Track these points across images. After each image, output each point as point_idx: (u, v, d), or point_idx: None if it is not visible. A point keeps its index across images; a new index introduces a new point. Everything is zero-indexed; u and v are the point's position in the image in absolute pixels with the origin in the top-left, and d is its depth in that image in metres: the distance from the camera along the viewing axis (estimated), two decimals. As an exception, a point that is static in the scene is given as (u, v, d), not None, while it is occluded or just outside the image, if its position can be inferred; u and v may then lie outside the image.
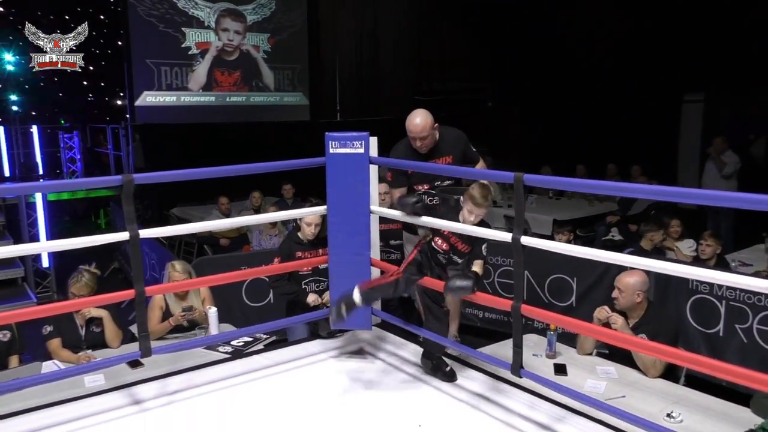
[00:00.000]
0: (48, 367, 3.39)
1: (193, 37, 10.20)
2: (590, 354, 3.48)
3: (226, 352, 3.57)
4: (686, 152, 10.56)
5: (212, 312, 3.75)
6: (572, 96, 11.51)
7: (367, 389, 2.92)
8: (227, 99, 10.64)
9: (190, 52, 10.20)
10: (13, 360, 3.57)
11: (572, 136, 11.21)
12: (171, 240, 7.78)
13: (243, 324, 4.12)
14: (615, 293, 3.40)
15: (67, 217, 10.93)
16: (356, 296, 2.78)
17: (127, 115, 10.07)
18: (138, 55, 9.77)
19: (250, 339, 3.74)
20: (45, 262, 7.01)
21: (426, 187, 3.54)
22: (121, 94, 11.93)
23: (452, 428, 2.65)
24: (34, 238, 6.91)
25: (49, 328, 3.61)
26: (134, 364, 3.32)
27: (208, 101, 10.45)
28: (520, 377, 2.69)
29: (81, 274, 3.74)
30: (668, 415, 2.71)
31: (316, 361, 3.39)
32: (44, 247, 5.57)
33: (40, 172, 10.05)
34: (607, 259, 2.37)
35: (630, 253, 5.24)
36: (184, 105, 10.23)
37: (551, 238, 6.37)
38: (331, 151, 3.11)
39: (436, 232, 2.94)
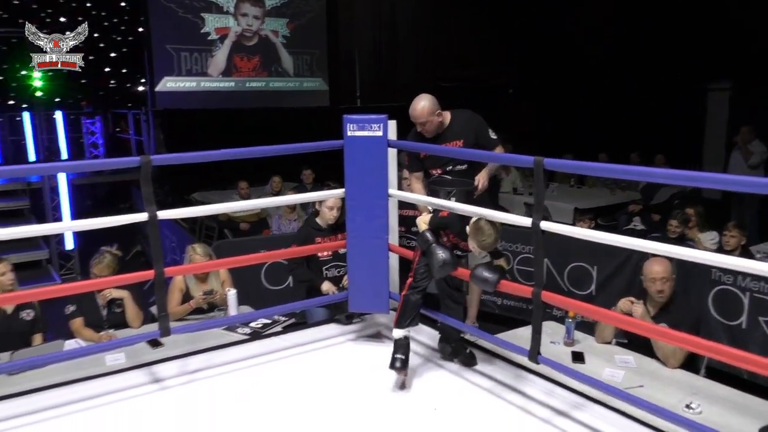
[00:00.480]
0: (70, 345, 3.44)
1: (212, 23, 10.20)
2: (609, 343, 3.45)
3: (244, 334, 3.60)
4: (712, 142, 10.36)
5: (231, 294, 3.78)
6: (595, 84, 11.35)
7: (384, 372, 2.92)
8: (246, 84, 10.64)
9: (209, 38, 10.21)
10: (37, 338, 3.62)
11: (594, 124, 11.06)
12: (192, 224, 7.86)
13: (261, 307, 4.15)
14: (659, 285, 3.27)
15: (90, 201, 11.06)
16: (397, 333, 2.87)
17: (148, 101, 10.14)
18: (158, 40, 9.80)
19: (269, 321, 3.77)
20: (69, 245, 7.12)
21: (439, 171, 3.51)
22: (143, 80, 12.04)
23: (468, 413, 2.65)
24: (58, 221, 7.02)
25: (71, 308, 3.66)
26: (154, 343, 3.36)
27: (227, 87, 10.47)
28: (538, 363, 2.67)
29: (103, 255, 3.79)
30: (687, 406, 2.67)
31: (334, 343, 3.40)
32: (65, 226, 5.64)
33: (64, 156, 10.18)
34: (627, 244, 2.33)
35: (652, 239, 5.17)
36: (204, 90, 10.26)
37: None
38: (349, 133, 3.10)
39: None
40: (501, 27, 12.52)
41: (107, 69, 12.80)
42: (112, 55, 12.77)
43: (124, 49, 12.55)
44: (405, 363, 2.83)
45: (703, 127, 10.55)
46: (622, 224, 7.30)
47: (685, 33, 9.97)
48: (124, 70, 12.85)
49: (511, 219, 2.64)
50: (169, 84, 9.94)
